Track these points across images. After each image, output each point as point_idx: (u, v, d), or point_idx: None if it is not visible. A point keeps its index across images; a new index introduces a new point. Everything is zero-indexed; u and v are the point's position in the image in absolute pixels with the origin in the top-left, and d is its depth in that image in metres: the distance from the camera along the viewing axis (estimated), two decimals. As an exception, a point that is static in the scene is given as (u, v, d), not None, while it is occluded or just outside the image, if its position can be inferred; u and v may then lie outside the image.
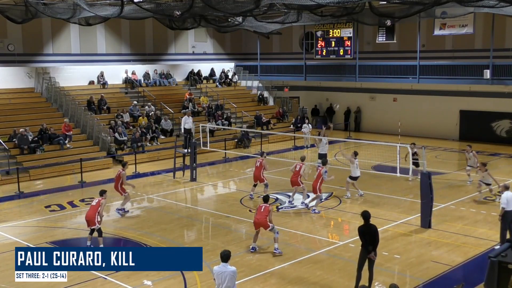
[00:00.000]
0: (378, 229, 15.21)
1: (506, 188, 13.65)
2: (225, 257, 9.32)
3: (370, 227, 11.06)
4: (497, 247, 13.43)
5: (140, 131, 26.92)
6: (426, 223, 15.37)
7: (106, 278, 12.09)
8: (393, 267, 12.74)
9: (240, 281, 11.80)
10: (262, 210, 13.48)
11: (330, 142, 31.04)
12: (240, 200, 18.74)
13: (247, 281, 11.90)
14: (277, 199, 18.81)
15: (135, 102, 29.79)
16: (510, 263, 10.32)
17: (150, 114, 29.14)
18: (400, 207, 17.68)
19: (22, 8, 19.09)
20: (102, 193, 14.46)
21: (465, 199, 18.53)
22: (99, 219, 13.86)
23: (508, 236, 13.25)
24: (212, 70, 36.38)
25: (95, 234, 13.90)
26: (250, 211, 17.35)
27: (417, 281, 11.90)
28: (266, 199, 13.91)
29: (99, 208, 13.91)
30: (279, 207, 17.85)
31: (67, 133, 25.26)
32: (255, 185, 18.84)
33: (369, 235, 10.96)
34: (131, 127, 27.48)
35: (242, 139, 29.65)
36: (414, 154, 19.44)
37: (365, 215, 11.11)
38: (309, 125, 30.94)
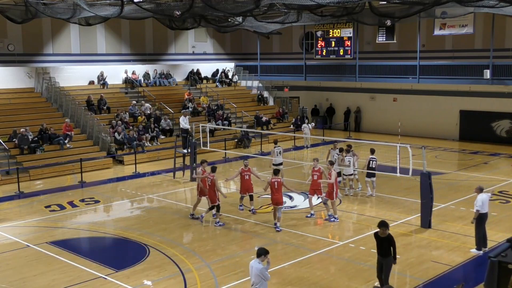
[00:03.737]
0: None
1: (481, 190, 13.45)
2: (258, 253, 9.42)
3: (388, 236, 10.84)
4: (473, 250, 13.44)
5: (137, 130, 26.95)
6: (426, 223, 15.37)
7: (106, 278, 12.09)
8: (393, 267, 12.70)
9: (240, 281, 11.83)
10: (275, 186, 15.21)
11: (330, 142, 31.07)
12: (240, 200, 18.71)
13: (247, 281, 11.87)
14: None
15: (134, 101, 29.80)
16: (510, 263, 10.31)
17: (147, 113, 29.10)
18: (400, 207, 17.68)
19: (22, 8, 19.08)
20: (214, 169, 16.31)
21: (465, 199, 18.50)
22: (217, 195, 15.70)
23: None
24: (216, 70, 36.48)
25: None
26: (250, 211, 17.34)
27: (417, 281, 11.89)
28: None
29: (216, 185, 15.71)
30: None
31: (67, 133, 25.24)
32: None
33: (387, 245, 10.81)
34: (131, 127, 27.49)
35: (242, 139, 29.65)
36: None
37: (384, 225, 10.86)
38: (309, 125, 30.91)
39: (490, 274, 10.36)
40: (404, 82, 31.63)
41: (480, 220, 13.40)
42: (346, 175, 19.22)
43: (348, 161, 18.82)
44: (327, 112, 37.10)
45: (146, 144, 26.79)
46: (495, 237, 14.28)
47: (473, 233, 14.87)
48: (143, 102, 30.21)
